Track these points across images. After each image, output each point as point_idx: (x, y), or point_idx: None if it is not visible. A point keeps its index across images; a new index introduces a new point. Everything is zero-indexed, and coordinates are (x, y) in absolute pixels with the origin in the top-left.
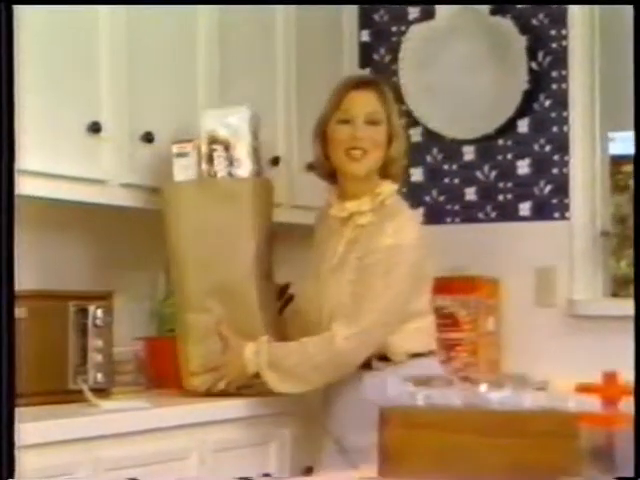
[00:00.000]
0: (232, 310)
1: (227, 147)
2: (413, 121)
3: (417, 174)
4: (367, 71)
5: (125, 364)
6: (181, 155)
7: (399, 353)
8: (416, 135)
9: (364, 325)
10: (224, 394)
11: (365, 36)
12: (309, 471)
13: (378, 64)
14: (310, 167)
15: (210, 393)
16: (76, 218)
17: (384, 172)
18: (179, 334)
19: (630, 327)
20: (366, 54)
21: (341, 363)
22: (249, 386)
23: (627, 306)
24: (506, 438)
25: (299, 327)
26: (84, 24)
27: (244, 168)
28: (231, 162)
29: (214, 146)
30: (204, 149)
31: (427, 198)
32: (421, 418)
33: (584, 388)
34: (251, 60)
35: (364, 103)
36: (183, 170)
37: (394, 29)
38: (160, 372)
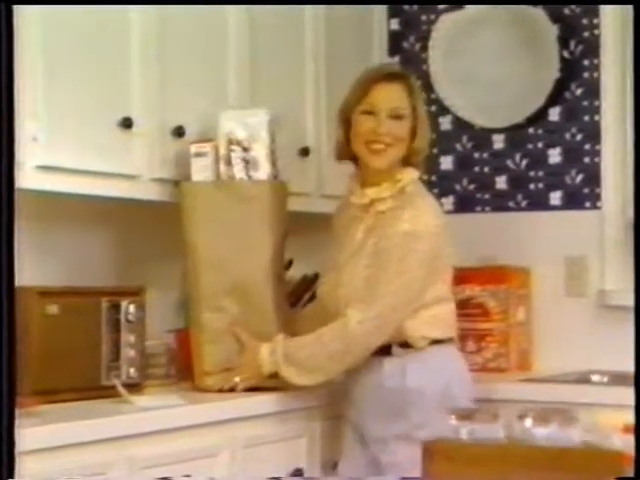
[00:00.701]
0: (247, 310)
1: (245, 148)
2: (443, 109)
3: (447, 162)
4: (396, 60)
5: (157, 357)
6: (199, 155)
7: (417, 339)
8: (446, 123)
9: (377, 309)
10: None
11: (394, 24)
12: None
13: (407, 52)
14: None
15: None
16: (103, 212)
17: (406, 161)
18: (193, 333)
19: None
20: (395, 42)
21: (355, 349)
22: (263, 387)
23: None
24: (551, 473)
25: (322, 319)
26: (115, 21)
27: (262, 170)
28: (249, 164)
29: (232, 147)
30: (222, 150)
31: (457, 187)
32: (465, 453)
33: (629, 428)
34: (280, 50)
35: (389, 97)
36: (201, 170)
37: (423, 17)
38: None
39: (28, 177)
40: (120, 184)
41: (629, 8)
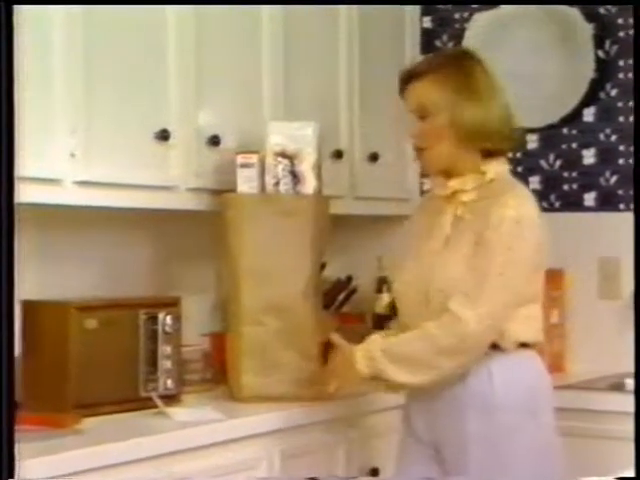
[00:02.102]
0: (286, 325)
1: (292, 161)
2: None
3: None
4: None
5: (193, 362)
6: (245, 166)
7: (510, 341)
8: None
9: (490, 304)
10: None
11: (427, 22)
12: (375, 473)
13: (440, 51)
14: (372, 157)
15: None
16: (138, 219)
17: (485, 152)
18: (232, 345)
19: None
20: (428, 41)
21: (471, 346)
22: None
23: None
24: None
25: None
26: (151, 34)
27: (308, 184)
28: (295, 177)
29: (279, 159)
30: (269, 162)
31: None
32: None
33: None
34: (314, 53)
35: (412, 98)
36: (246, 181)
37: (456, 16)
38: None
39: (67, 193)
40: (157, 195)
41: None
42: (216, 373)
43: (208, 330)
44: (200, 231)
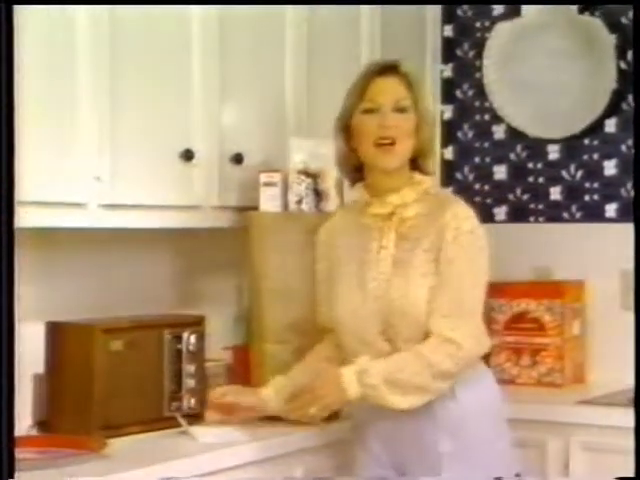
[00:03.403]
0: (310, 343)
1: (315, 179)
2: (497, 118)
3: (500, 172)
4: (449, 67)
5: (215, 377)
6: (268, 184)
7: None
8: (499, 132)
9: (472, 320)
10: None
11: (448, 31)
12: None
13: (461, 60)
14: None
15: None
16: (159, 236)
17: (415, 165)
18: (255, 363)
19: None
20: (449, 50)
21: (464, 366)
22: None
23: None
24: None
25: (336, 347)
26: (174, 54)
27: (330, 202)
28: (318, 195)
29: (302, 177)
30: (291, 180)
31: (510, 196)
32: None
33: None
34: (337, 64)
35: (390, 90)
36: (270, 200)
37: (478, 25)
38: (250, 379)
39: (93, 216)
40: (182, 215)
41: None
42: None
43: (230, 343)
44: (221, 245)
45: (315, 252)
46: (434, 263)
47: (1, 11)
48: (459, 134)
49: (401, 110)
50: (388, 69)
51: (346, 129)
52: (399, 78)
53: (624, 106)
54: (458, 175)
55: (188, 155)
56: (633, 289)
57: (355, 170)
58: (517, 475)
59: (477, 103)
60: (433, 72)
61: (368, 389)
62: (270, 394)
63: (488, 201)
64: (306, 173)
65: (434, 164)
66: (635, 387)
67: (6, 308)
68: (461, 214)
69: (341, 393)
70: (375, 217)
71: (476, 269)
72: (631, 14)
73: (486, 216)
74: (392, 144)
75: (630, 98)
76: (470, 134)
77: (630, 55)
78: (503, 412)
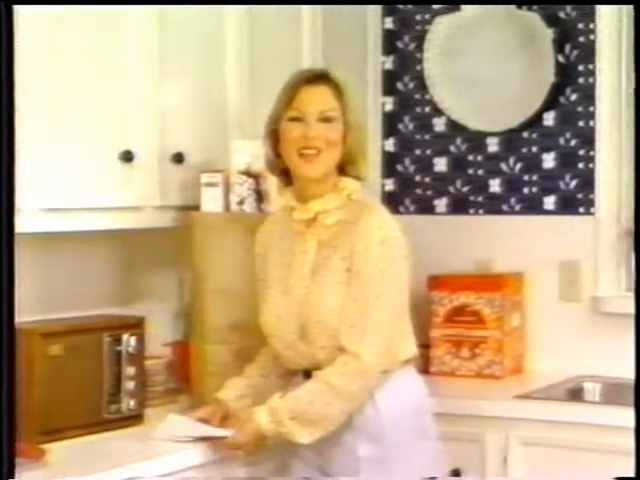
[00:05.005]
0: (251, 343)
1: (257, 180)
2: (437, 111)
3: (441, 164)
4: (390, 59)
5: (156, 375)
6: (210, 185)
7: (394, 361)
8: (440, 125)
9: (378, 330)
10: None
11: (389, 23)
12: None
13: (402, 52)
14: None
15: None
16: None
17: (343, 170)
18: (196, 362)
19: None
20: (390, 42)
21: (372, 378)
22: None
23: None
24: None
25: (267, 352)
26: (112, 55)
27: (273, 203)
28: (260, 195)
29: (244, 178)
30: (234, 180)
31: (451, 188)
32: None
33: None
34: (279, 60)
35: (317, 99)
36: (211, 200)
37: (418, 17)
38: (191, 374)
39: (33, 221)
40: (123, 216)
41: (624, 13)
42: (179, 382)
43: (170, 338)
44: (163, 244)
45: (254, 253)
46: (347, 272)
47: (1, 11)
48: (400, 126)
49: (327, 120)
50: (318, 77)
51: (273, 134)
52: (328, 87)
53: (562, 100)
54: (399, 167)
55: (128, 156)
56: (573, 281)
57: (283, 174)
58: (455, 471)
59: (418, 95)
60: (374, 64)
61: (279, 426)
62: (229, 395)
63: (428, 193)
64: (248, 174)
65: (366, 169)
66: (635, 387)
67: (6, 311)
68: (374, 223)
69: (259, 435)
70: (299, 222)
71: (386, 280)
72: (569, 9)
73: (427, 208)
74: (317, 154)
75: (568, 91)
76: (411, 126)
77: (568, 49)
78: (427, 410)
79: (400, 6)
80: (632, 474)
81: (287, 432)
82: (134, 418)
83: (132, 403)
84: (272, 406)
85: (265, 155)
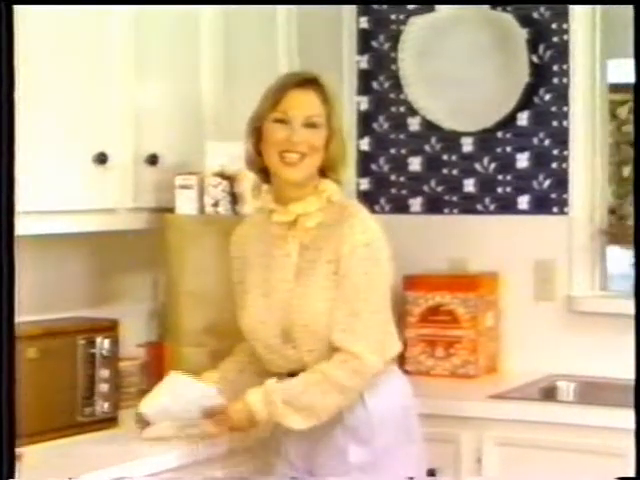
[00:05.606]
0: (226, 346)
1: (231, 182)
2: (412, 110)
3: (415, 164)
4: (365, 59)
5: (130, 377)
6: (184, 187)
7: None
8: (415, 124)
9: (369, 332)
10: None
11: (364, 23)
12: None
13: (378, 51)
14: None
15: None
16: (74, 239)
17: (324, 174)
18: (171, 365)
19: (624, 324)
20: (365, 41)
21: (368, 378)
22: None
23: (621, 303)
24: None
25: (245, 348)
26: (90, 56)
27: (247, 205)
28: (234, 198)
29: (218, 180)
30: (208, 182)
31: (425, 188)
32: None
33: None
34: (254, 60)
35: (304, 104)
36: (186, 202)
37: (393, 17)
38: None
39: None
40: (97, 218)
41: (598, 13)
42: (154, 384)
43: (145, 339)
44: (137, 245)
45: (230, 255)
46: (335, 276)
47: (1, 11)
48: (375, 125)
49: (312, 125)
50: (307, 82)
51: (256, 132)
52: (316, 92)
53: (536, 100)
54: (373, 166)
55: (102, 158)
56: (548, 281)
57: (262, 172)
58: (430, 472)
59: (393, 95)
60: (349, 63)
61: (272, 408)
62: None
63: (403, 192)
64: (222, 175)
65: (345, 174)
66: (635, 387)
67: (6, 309)
68: (358, 227)
69: (250, 415)
70: (279, 225)
71: (372, 282)
72: (542, 9)
73: (401, 207)
74: (300, 159)
75: (542, 92)
76: (386, 125)
77: (542, 49)
78: (413, 411)
79: (375, 6)
80: (630, 474)
81: (280, 415)
82: (108, 421)
83: (106, 406)
84: (267, 389)
85: (246, 152)
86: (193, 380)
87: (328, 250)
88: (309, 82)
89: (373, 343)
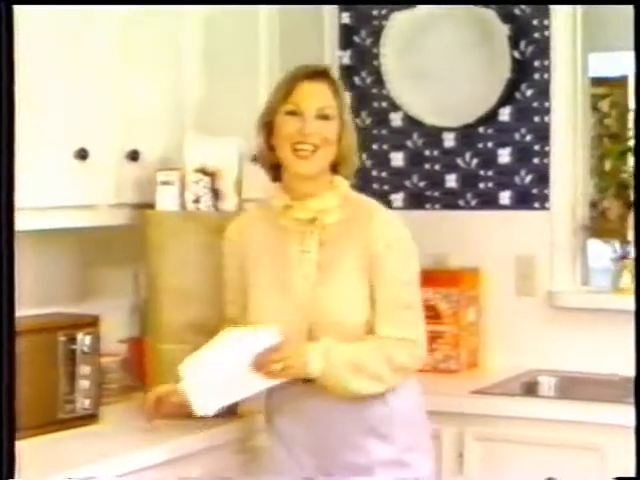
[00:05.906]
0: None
1: (213, 178)
2: (394, 106)
3: (397, 159)
4: (347, 54)
5: (111, 373)
6: (166, 183)
7: None
8: (397, 120)
9: (421, 326)
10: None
11: (346, 18)
12: None
13: (360, 47)
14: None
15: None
16: (54, 232)
17: (335, 169)
18: (151, 362)
19: (605, 319)
20: (347, 37)
21: (421, 361)
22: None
23: (602, 298)
24: None
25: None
26: (72, 52)
27: (229, 201)
28: (216, 194)
29: (200, 176)
30: (189, 179)
31: (407, 183)
32: None
33: None
34: (236, 52)
35: (316, 96)
36: (167, 199)
37: (375, 12)
38: (146, 372)
39: None
40: (78, 214)
41: (578, 9)
42: (135, 380)
43: (126, 335)
44: (118, 241)
45: (223, 250)
46: (365, 272)
47: (1, 11)
48: (357, 121)
49: (325, 117)
50: (318, 74)
51: (267, 126)
52: (327, 84)
53: (518, 95)
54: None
55: (82, 154)
56: (529, 276)
57: (273, 168)
58: None
59: (375, 90)
60: (331, 59)
61: (332, 368)
62: None
63: (385, 188)
64: (204, 172)
65: (352, 169)
66: (635, 386)
67: (6, 308)
68: (386, 222)
69: (304, 366)
70: (296, 221)
71: (410, 271)
72: (523, 5)
73: (383, 203)
74: (312, 151)
75: (524, 87)
76: (368, 121)
77: (523, 45)
78: (424, 409)
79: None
80: (630, 474)
81: (338, 375)
82: (89, 417)
83: (87, 402)
84: (328, 347)
85: (257, 147)
86: (246, 330)
87: (355, 246)
88: (319, 74)
89: (422, 329)
